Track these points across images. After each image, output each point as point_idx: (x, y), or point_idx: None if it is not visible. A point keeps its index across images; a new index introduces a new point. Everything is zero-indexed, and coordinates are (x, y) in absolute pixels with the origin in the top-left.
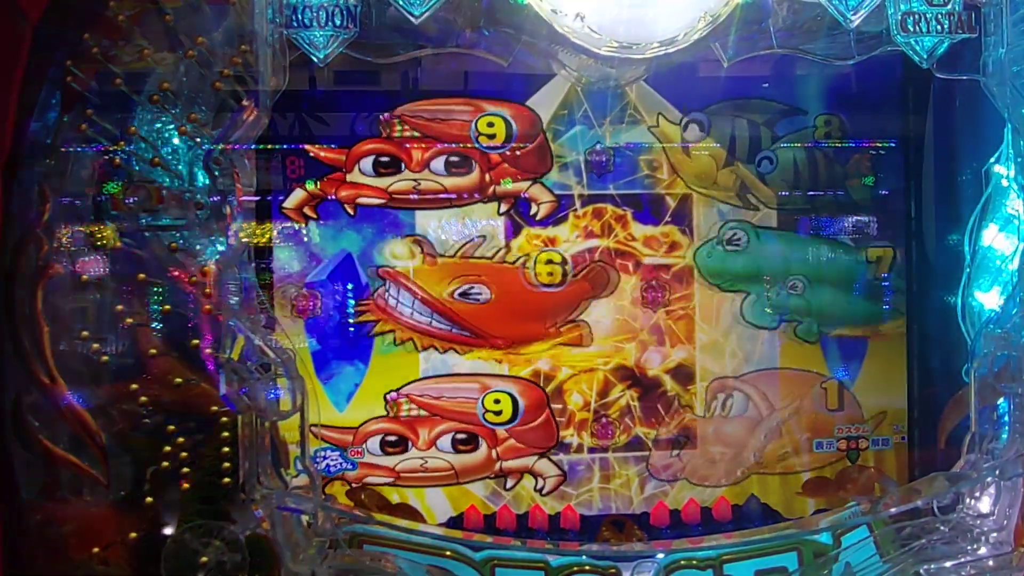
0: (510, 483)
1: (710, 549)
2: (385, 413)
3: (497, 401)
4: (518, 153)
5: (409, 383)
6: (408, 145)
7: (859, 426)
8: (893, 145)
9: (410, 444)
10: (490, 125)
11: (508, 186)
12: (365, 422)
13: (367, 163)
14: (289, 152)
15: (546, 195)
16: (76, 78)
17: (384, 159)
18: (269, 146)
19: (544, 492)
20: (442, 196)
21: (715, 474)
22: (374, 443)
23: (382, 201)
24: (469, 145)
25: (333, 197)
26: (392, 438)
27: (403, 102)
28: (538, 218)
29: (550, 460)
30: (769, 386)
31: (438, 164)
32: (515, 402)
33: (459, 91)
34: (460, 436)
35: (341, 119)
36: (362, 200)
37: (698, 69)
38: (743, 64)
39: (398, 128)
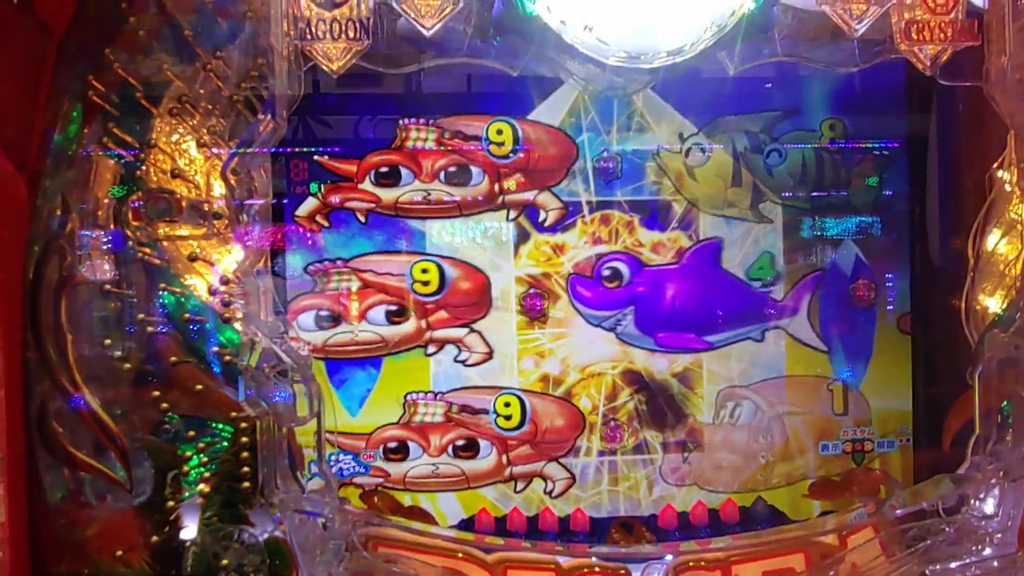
0: (520, 486)
1: (718, 551)
2: (402, 413)
3: (507, 404)
4: (529, 165)
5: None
6: (419, 156)
7: (865, 428)
8: (897, 148)
9: (422, 450)
10: (499, 132)
11: (514, 189)
12: (377, 429)
13: (378, 174)
14: (292, 156)
15: (555, 202)
16: (97, 91)
17: (395, 170)
18: (275, 150)
19: (554, 495)
20: (451, 206)
21: (722, 479)
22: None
23: (389, 213)
24: (478, 153)
25: (339, 204)
26: (392, 444)
27: (410, 105)
28: (546, 225)
29: (560, 464)
30: (777, 394)
31: (448, 174)
32: (523, 406)
33: (465, 95)
34: (459, 443)
35: (346, 123)
36: (355, 206)
37: (703, 78)
38: (743, 73)
39: (413, 137)
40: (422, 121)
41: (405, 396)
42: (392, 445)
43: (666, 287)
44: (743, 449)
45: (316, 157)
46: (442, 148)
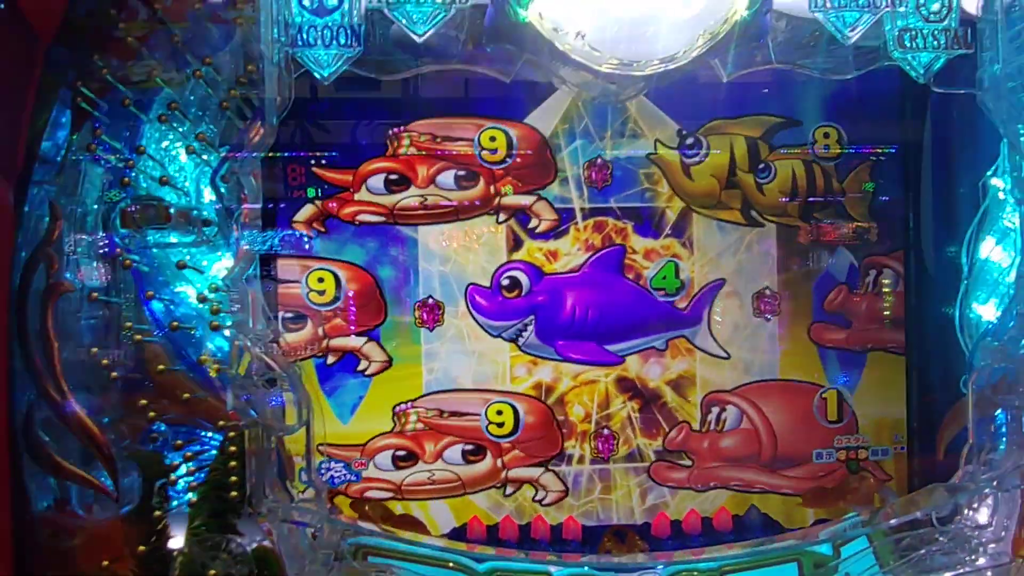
0: (510, 490)
1: (711, 560)
2: (392, 426)
3: (499, 412)
4: (516, 163)
5: (419, 397)
6: (414, 162)
7: (858, 436)
8: (891, 156)
9: (417, 458)
10: (492, 139)
11: (510, 196)
12: (372, 438)
13: (375, 182)
14: (290, 160)
15: (549, 213)
16: (86, 98)
17: (394, 177)
18: (271, 155)
19: (544, 503)
20: (447, 210)
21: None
22: (384, 458)
23: (387, 219)
24: (472, 158)
25: (337, 215)
26: (401, 453)
27: (405, 111)
28: (537, 232)
29: (555, 474)
30: (767, 397)
31: (443, 179)
32: (516, 414)
33: (460, 100)
34: (468, 447)
35: (342, 127)
36: (363, 218)
37: (697, 84)
38: (738, 79)
39: (404, 144)
40: (417, 128)
41: (394, 408)
42: (401, 454)
43: (567, 296)
44: (730, 455)
45: (314, 168)
46: (439, 153)
